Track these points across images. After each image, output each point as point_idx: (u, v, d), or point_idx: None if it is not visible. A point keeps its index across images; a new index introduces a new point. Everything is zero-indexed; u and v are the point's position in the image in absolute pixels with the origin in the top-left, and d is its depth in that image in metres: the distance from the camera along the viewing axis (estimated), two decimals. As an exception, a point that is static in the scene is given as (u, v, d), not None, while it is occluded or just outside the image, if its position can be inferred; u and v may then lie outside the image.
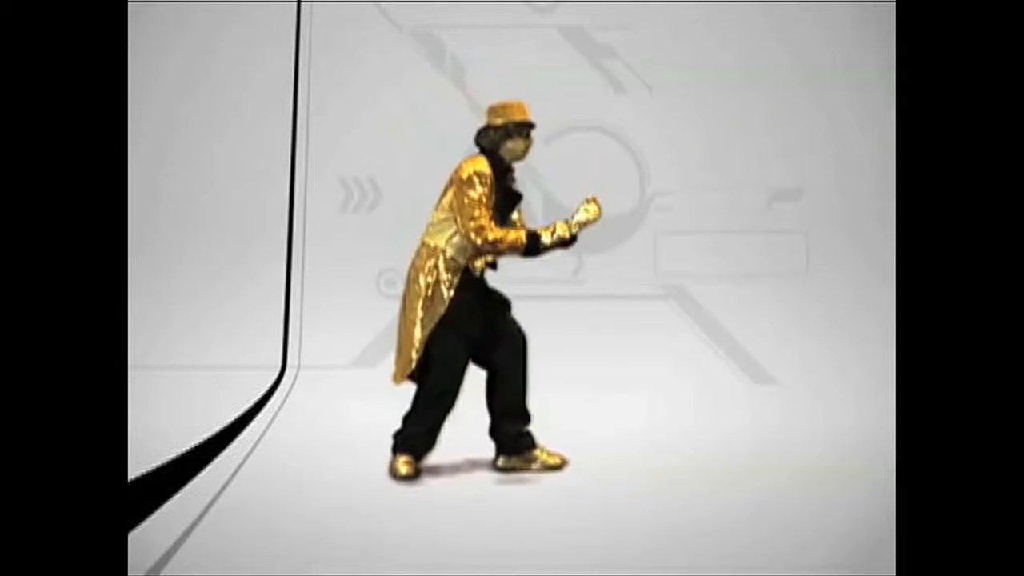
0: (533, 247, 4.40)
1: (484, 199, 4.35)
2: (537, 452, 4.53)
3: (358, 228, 6.73)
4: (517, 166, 4.55)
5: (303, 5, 7.07)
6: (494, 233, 4.33)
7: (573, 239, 4.50)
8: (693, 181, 6.84)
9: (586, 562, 3.35)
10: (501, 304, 4.53)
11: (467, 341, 4.41)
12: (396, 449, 4.45)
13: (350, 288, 6.58)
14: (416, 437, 4.44)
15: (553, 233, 4.41)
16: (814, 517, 3.81)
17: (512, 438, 4.53)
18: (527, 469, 4.50)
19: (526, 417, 4.53)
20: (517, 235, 4.38)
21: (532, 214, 6.20)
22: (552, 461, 4.51)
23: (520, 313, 4.57)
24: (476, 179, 4.35)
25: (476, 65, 6.92)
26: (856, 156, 6.82)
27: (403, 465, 4.39)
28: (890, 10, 5.53)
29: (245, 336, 6.55)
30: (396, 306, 4.58)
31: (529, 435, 4.54)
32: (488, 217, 4.34)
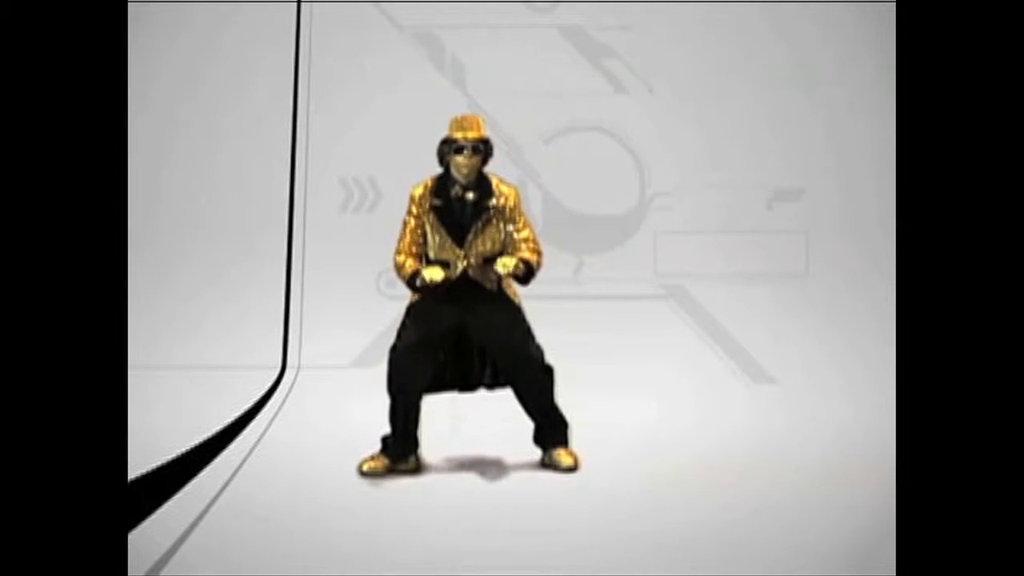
0: (410, 283, 4.40)
1: (407, 224, 4.45)
2: (555, 452, 4.53)
3: (358, 228, 6.73)
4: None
5: (303, 5, 7.07)
6: (397, 259, 4.44)
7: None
8: (693, 181, 6.84)
9: (586, 562, 3.35)
10: (490, 312, 4.43)
11: (426, 340, 4.39)
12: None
13: (350, 288, 6.59)
14: (389, 438, 4.47)
15: (423, 274, 4.34)
16: (814, 517, 3.80)
17: (538, 434, 4.56)
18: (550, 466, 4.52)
19: (535, 418, 4.56)
20: (405, 270, 4.40)
21: (532, 214, 6.20)
22: (566, 462, 4.49)
23: (520, 313, 4.56)
24: (407, 202, 4.47)
25: (476, 65, 6.92)
26: (856, 156, 6.81)
27: (367, 461, 4.42)
28: (890, 10, 5.54)
29: (245, 336, 6.55)
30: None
31: (551, 434, 4.54)
32: (403, 240, 4.44)
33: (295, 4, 7.07)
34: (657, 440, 5.04)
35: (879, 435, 4.76)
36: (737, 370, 6.34)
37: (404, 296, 4.54)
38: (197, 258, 6.79)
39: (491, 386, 4.57)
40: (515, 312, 4.47)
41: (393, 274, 4.55)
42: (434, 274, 4.31)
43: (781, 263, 6.73)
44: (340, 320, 6.51)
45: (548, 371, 4.52)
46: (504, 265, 4.34)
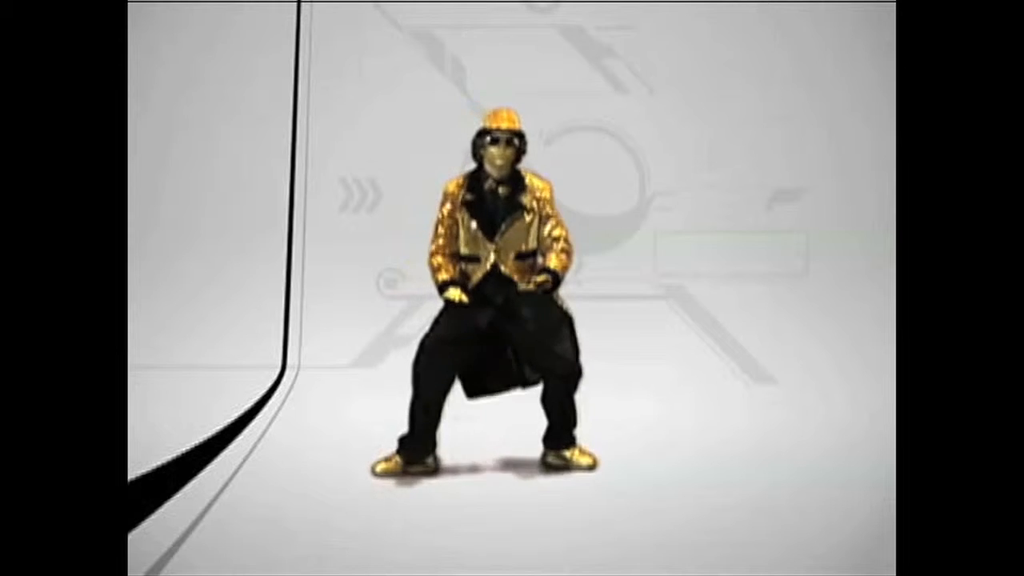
0: (440, 289, 4.40)
1: (440, 219, 4.43)
2: (568, 452, 4.52)
3: (358, 228, 6.73)
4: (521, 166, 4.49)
5: (303, 5, 7.08)
6: (433, 260, 4.42)
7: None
8: (693, 181, 6.84)
9: (586, 562, 3.35)
10: (523, 314, 4.37)
11: (457, 338, 4.35)
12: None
13: (350, 288, 6.59)
14: (405, 437, 4.43)
15: (447, 294, 4.37)
16: (814, 517, 3.81)
17: (550, 433, 4.54)
18: (557, 466, 4.50)
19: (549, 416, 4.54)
20: (437, 277, 4.40)
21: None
22: (585, 462, 4.49)
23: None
24: (441, 198, 4.43)
25: (476, 65, 6.93)
26: (856, 156, 6.82)
27: (380, 463, 4.40)
28: (890, 10, 5.54)
29: (245, 336, 6.55)
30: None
31: (560, 434, 4.52)
32: (437, 240, 4.41)
33: (295, 4, 7.07)
34: (657, 440, 5.03)
35: (879, 435, 4.76)
36: (737, 370, 6.35)
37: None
38: (197, 258, 6.79)
39: (528, 384, 4.51)
40: (547, 304, 4.40)
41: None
42: (455, 295, 4.35)
43: (781, 263, 6.73)
44: (340, 320, 6.51)
45: (574, 373, 4.43)
46: (533, 283, 4.36)
